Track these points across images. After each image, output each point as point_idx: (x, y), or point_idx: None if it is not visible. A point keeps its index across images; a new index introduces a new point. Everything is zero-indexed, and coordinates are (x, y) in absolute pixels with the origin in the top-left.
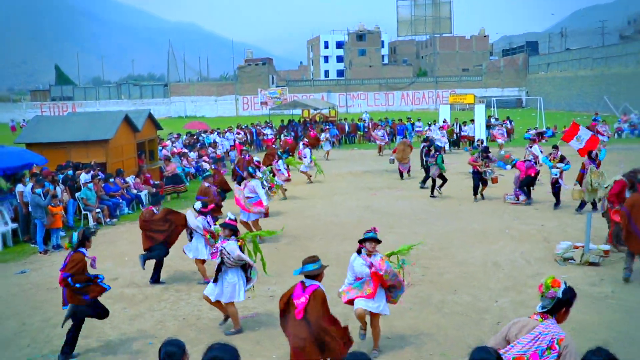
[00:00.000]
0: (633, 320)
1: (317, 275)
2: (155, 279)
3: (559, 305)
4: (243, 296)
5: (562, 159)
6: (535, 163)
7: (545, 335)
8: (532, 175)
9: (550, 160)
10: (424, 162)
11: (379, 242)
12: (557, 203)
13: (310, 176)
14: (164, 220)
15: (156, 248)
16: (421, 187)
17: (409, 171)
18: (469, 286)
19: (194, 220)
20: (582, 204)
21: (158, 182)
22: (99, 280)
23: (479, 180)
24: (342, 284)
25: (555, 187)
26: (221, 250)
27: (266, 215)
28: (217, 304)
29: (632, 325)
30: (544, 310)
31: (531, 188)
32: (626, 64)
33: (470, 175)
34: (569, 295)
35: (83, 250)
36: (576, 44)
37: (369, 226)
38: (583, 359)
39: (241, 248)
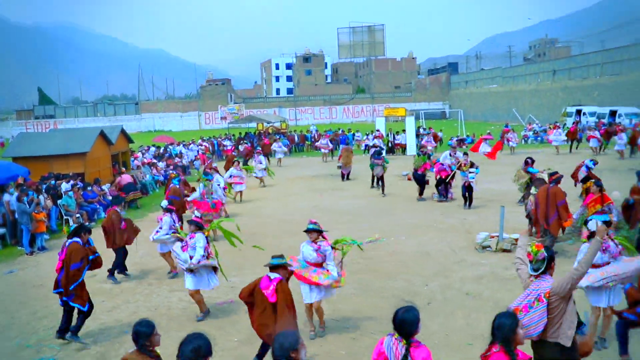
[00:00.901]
0: None
1: (280, 269)
2: (122, 270)
3: (549, 261)
4: (213, 284)
5: (472, 164)
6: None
7: (535, 290)
8: (443, 177)
9: (462, 167)
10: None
11: (320, 232)
12: (470, 203)
13: (263, 180)
14: (126, 230)
15: (117, 252)
16: (371, 188)
17: (349, 174)
18: (404, 273)
19: (162, 234)
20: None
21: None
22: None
23: (423, 181)
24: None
25: (466, 189)
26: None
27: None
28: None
29: None
30: (538, 272)
31: (448, 187)
32: (529, 81)
33: (404, 177)
34: (551, 251)
35: (78, 239)
36: (489, 65)
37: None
38: (493, 322)
39: (207, 239)
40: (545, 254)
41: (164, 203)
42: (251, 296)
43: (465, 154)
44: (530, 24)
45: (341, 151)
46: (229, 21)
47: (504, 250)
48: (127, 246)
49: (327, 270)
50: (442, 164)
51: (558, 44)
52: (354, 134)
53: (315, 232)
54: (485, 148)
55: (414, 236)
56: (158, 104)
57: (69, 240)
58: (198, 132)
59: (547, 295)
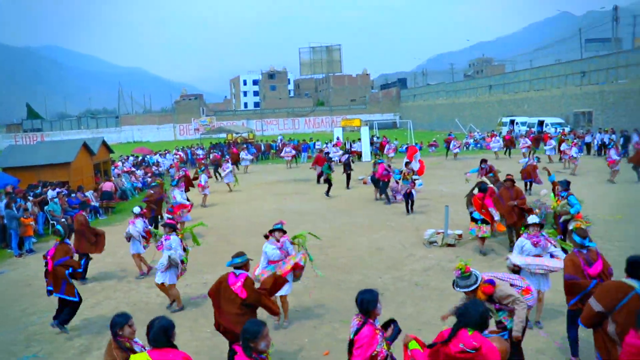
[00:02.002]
0: None
1: (243, 266)
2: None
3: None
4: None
5: (414, 172)
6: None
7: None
8: (386, 180)
9: (406, 176)
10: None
11: (284, 232)
12: (411, 206)
13: (230, 185)
14: (95, 234)
15: (82, 256)
16: (347, 188)
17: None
18: (360, 267)
19: (134, 229)
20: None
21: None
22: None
23: (379, 184)
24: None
25: (406, 196)
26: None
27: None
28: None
29: None
30: (467, 290)
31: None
32: (469, 95)
33: (360, 181)
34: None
35: (68, 240)
36: (434, 80)
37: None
38: (464, 306)
39: (181, 240)
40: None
41: (136, 209)
42: (218, 293)
43: (407, 163)
44: (469, 45)
45: (315, 158)
46: (201, 42)
47: (449, 245)
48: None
49: (289, 257)
50: (387, 169)
51: (493, 62)
52: (314, 143)
53: (280, 232)
54: (415, 164)
55: (368, 234)
56: (137, 117)
57: (58, 242)
58: (173, 143)
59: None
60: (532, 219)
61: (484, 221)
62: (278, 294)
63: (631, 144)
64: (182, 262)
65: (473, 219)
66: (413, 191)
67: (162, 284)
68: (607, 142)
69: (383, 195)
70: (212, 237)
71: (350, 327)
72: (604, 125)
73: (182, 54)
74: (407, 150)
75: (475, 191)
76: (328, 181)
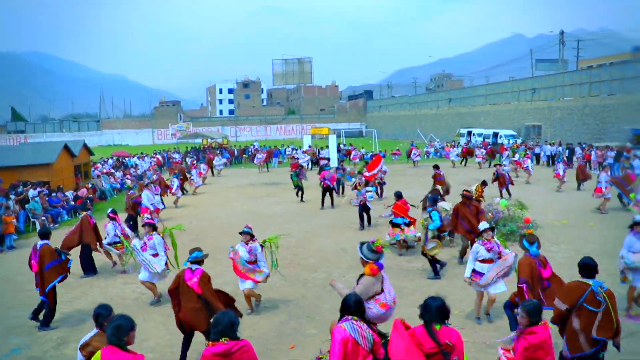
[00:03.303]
0: (435, 285)
1: (200, 262)
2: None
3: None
4: (148, 277)
5: (367, 183)
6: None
7: (387, 279)
8: (324, 186)
9: (357, 186)
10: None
11: (252, 235)
12: (364, 222)
13: (196, 189)
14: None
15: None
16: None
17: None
18: (325, 266)
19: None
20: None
21: (91, 195)
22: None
23: (330, 191)
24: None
25: (362, 208)
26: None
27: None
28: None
29: (434, 288)
30: (369, 260)
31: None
32: (431, 107)
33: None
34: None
35: (48, 242)
36: (398, 93)
37: (254, 224)
38: (424, 305)
39: (163, 239)
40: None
41: (108, 210)
42: (177, 289)
43: (360, 172)
44: (431, 61)
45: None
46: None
47: (408, 247)
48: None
49: (260, 269)
50: (336, 174)
51: (453, 78)
52: (285, 149)
53: (247, 235)
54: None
55: (333, 235)
56: (117, 121)
57: (40, 243)
58: (151, 147)
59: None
60: (482, 225)
61: (406, 224)
62: (243, 287)
63: (575, 156)
64: (167, 264)
65: (394, 225)
66: (368, 203)
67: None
68: (554, 154)
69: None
70: (186, 237)
71: (345, 334)
72: (551, 138)
73: (162, 63)
74: (371, 159)
75: (447, 205)
76: (299, 187)
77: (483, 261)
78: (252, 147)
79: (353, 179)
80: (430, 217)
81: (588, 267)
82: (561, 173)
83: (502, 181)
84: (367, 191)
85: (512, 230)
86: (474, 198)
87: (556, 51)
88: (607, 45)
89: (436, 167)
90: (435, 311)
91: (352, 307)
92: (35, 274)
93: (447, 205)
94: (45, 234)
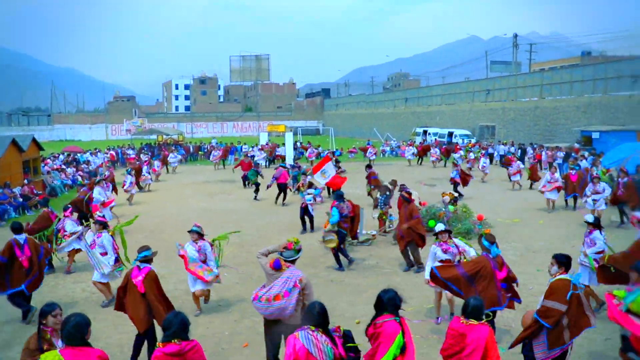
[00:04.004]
0: (388, 281)
1: (149, 260)
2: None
3: (299, 254)
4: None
5: (310, 185)
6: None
7: (291, 278)
8: (278, 183)
9: (300, 188)
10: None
11: (201, 234)
12: (308, 228)
13: (149, 186)
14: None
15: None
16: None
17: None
18: None
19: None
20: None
21: (40, 192)
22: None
23: (282, 189)
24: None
25: (303, 211)
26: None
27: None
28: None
29: (386, 283)
30: (290, 259)
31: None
32: (387, 106)
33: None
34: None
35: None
36: (355, 91)
37: (207, 222)
38: (379, 296)
39: (113, 237)
40: (301, 247)
41: (65, 207)
42: (125, 287)
43: (304, 174)
44: (389, 60)
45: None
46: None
47: (362, 243)
48: None
49: (210, 267)
50: (286, 173)
51: (410, 77)
52: (242, 147)
53: (196, 234)
54: (320, 178)
55: (288, 232)
56: (69, 116)
57: (22, 237)
58: (105, 142)
59: (301, 280)
60: (439, 227)
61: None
62: (194, 288)
63: (527, 156)
64: (118, 260)
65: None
66: (309, 207)
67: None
68: (506, 154)
69: (318, 198)
70: (140, 234)
71: (298, 345)
72: (504, 138)
73: (117, 57)
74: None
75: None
76: (256, 185)
77: (442, 262)
78: (208, 144)
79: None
80: (332, 212)
81: (569, 263)
82: (515, 170)
83: (468, 178)
84: (308, 194)
85: (469, 229)
86: (410, 201)
87: (510, 54)
88: (559, 49)
89: (369, 166)
90: (387, 302)
91: (316, 316)
92: (27, 269)
93: (414, 194)
94: (19, 228)
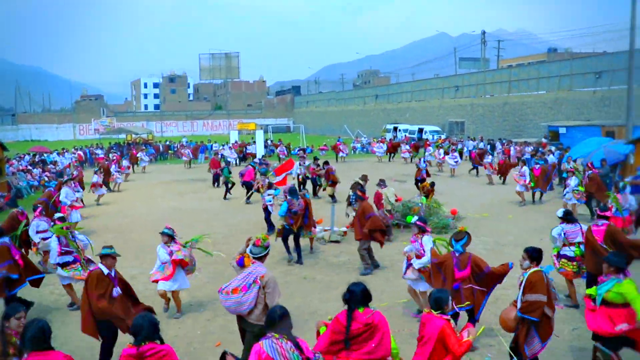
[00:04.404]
0: (360, 277)
1: (108, 258)
2: None
3: (267, 251)
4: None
5: (270, 186)
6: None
7: (252, 273)
8: (245, 180)
9: (260, 189)
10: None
11: (171, 237)
12: (271, 228)
13: (118, 185)
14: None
15: None
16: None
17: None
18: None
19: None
20: None
21: (5, 193)
22: None
23: (248, 187)
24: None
25: (266, 212)
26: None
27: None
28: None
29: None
30: (257, 255)
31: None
32: (357, 103)
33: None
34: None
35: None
36: (326, 89)
37: (178, 221)
38: (348, 289)
39: (59, 240)
40: (269, 244)
41: (35, 207)
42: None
43: (263, 174)
44: (358, 57)
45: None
46: (102, 44)
47: (334, 241)
48: None
49: (179, 248)
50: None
51: (380, 74)
52: (212, 145)
53: (167, 236)
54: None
55: (258, 231)
56: (35, 116)
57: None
58: (73, 142)
59: (262, 277)
60: (413, 219)
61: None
62: (164, 288)
63: (496, 151)
64: (76, 262)
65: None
66: (269, 207)
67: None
68: (473, 149)
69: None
70: (109, 234)
71: (262, 352)
72: (473, 134)
73: (84, 55)
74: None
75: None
76: (226, 184)
77: (417, 256)
78: (178, 143)
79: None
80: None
81: (540, 257)
82: (487, 163)
83: (418, 173)
84: (269, 194)
85: (445, 224)
86: (364, 199)
87: (478, 50)
88: (526, 46)
89: (326, 163)
90: (358, 295)
91: (277, 321)
92: (25, 267)
93: (391, 191)
94: (2, 232)
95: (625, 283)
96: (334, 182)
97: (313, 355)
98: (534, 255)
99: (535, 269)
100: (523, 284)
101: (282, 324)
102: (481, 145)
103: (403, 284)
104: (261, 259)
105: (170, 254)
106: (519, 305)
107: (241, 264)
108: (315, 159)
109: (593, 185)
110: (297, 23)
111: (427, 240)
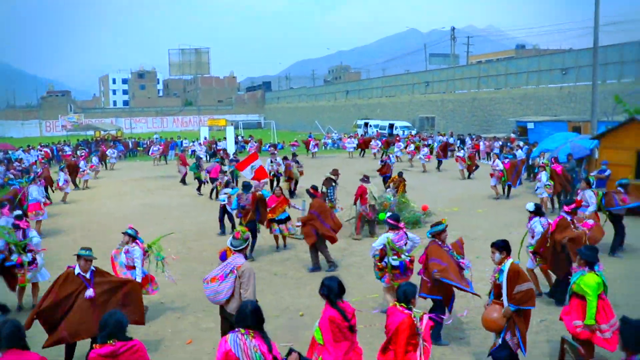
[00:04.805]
0: (330, 273)
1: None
2: None
3: (247, 243)
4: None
5: (227, 184)
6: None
7: (231, 263)
8: (215, 177)
9: (217, 186)
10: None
11: (133, 237)
12: (222, 228)
13: (86, 183)
14: None
15: None
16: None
17: (185, 175)
18: None
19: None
20: None
21: None
22: None
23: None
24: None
25: (221, 211)
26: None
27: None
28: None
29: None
30: (238, 248)
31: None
32: (328, 99)
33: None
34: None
35: None
36: (297, 84)
37: (148, 218)
38: (324, 284)
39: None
40: (249, 236)
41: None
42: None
43: (223, 172)
44: (329, 53)
45: (180, 156)
46: (68, 39)
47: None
48: None
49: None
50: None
51: (350, 70)
52: (182, 141)
53: (128, 236)
54: (249, 173)
55: (228, 228)
56: None
57: None
58: (39, 139)
59: (239, 268)
60: (382, 215)
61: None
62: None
63: (465, 147)
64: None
65: (271, 221)
66: (228, 207)
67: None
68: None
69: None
70: (78, 233)
71: (227, 347)
72: (443, 130)
73: (50, 50)
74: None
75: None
76: (198, 179)
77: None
78: (148, 139)
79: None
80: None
81: (508, 246)
82: (459, 156)
83: (387, 169)
84: (224, 193)
85: (416, 219)
86: (316, 196)
87: (448, 46)
88: (495, 42)
89: (285, 158)
90: (335, 289)
91: (248, 316)
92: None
93: (374, 187)
94: None
95: (588, 276)
96: (290, 178)
97: (280, 356)
98: (502, 246)
99: (511, 260)
100: (506, 277)
101: (252, 318)
102: (451, 140)
103: (374, 279)
104: (241, 251)
105: (127, 252)
106: (505, 301)
107: (223, 258)
108: (294, 155)
109: (559, 179)
110: (267, 18)
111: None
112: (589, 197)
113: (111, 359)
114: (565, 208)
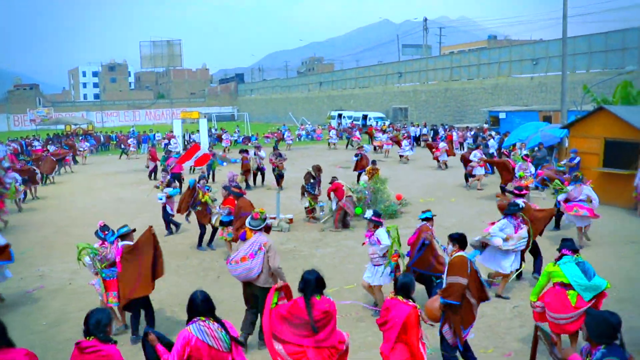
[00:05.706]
0: (306, 264)
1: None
2: None
3: (265, 223)
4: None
5: (169, 184)
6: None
7: (256, 242)
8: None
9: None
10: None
11: (103, 240)
12: (173, 228)
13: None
14: None
15: None
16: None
17: (155, 170)
18: (198, 253)
19: None
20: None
21: None
22: None
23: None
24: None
25: (163, 211)
26: None
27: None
28: None
29: (305, 266)
30: (258, 227)
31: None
32: (302, 90)
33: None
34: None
35: None
36: (270, 76)
37: (121, 213)
38: (303, 278)
39: None
40: (266, 215)
41: None
42: None
43: (164, 170)
44: (302, 45)
45: (150, 151)
46: (37, 30)
47: (281, 230)
48: None
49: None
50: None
51: (324, 61)
52: (154, 135)
53: (98, 239)
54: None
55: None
56: None
57: None
58: (6, 134)
59: (265, 244)
60: (367, 213)
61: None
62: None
63: (438, 137)
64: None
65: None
66: (168, 207)
67: None
68: (419, 135)
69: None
70: (49, 229)
71: (190, 336)
72: (416, 120)
73: (16, 42)
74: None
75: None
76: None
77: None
78: (118, 132)
79: (225, 163)
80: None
81: (462, 240)
82: (441, 147)
83: (365, 163)
84: (163, 192)
85: (394, 211)
86: (242, 195)
87: (421, 37)
88: (467, 33)
89: (242, 151)
90: (313, 283)
91: (200, 305)
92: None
93: (364, 179)
94: None
95: (550, 265)
96: (247, 171)
97: (238, 335)
98: (455, 238)
99: (458, 253)
100: (446, 269)
101: (205, 306)
102: (425, 131)
103: (350, 270)
104: (261, 230)
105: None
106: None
107: (243, 238)
108: (275, 148)
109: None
110: (240, 10)
111: (381, 232)
112: (588, 191)
113: (79, 354)
114: (516, 192)
